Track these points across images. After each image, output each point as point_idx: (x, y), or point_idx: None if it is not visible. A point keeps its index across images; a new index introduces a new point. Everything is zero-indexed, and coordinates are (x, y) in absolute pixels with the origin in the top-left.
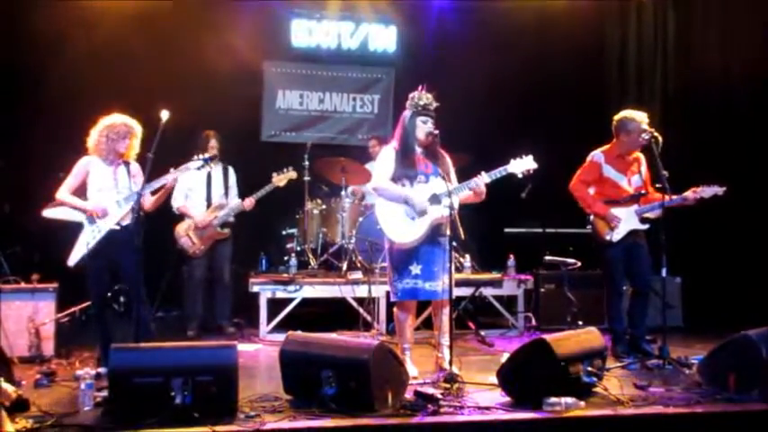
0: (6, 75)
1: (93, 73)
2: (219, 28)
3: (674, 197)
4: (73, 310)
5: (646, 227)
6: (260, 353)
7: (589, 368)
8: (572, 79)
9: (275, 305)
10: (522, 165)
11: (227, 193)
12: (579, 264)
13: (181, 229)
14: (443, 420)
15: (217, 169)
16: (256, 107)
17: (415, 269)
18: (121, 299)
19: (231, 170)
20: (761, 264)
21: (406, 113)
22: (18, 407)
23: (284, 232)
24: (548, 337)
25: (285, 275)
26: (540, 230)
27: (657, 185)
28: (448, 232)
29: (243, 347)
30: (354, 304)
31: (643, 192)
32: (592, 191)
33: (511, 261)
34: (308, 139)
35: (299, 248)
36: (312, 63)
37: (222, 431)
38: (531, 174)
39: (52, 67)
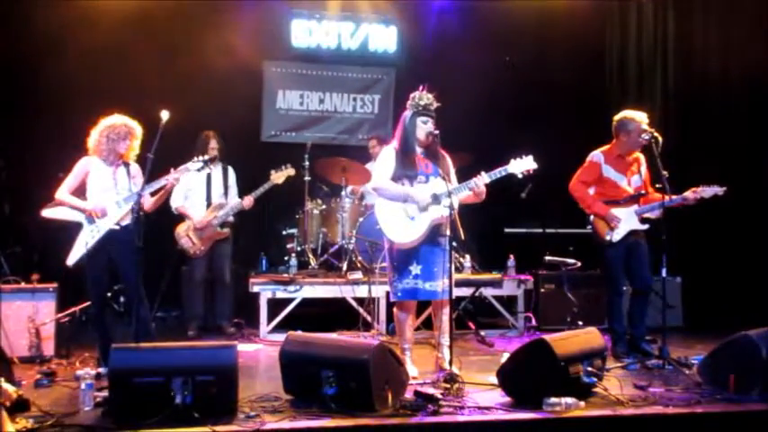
0: (6, 75)
1: (92, 73)
2: (219, 28)
3: (674, 197)
4: (73, 310)
5: (645, 227)
6: (260, 353)
7: (589, 368)
8: (572, 79)
9: (275, 305)
10: (522, 165)
11: (226, 193)
12: (579, 264)
13: (181, 229)
14: (443, 420)
15: (216, 169)
16: (256, 107)
17: (415, 269)
18: (121, 299)
19: (231, 170)
20: (761, 264)
21: (407, 113)
22: (19, 407)
23: (284, 232)
24: (548, 337)
25: (285, 275)
26: (540, 230)
27: (657, 185)
28: (448, 232)
29: (243, 347)
30: (354, 304)
31: (643, 192)
32: (592, 191)
33: (511, 261)
34: (308, 140)
35: (299, 248)
36: (312, 63)
37: (222, 431)
38: (531, 174)
39: (52, 67)
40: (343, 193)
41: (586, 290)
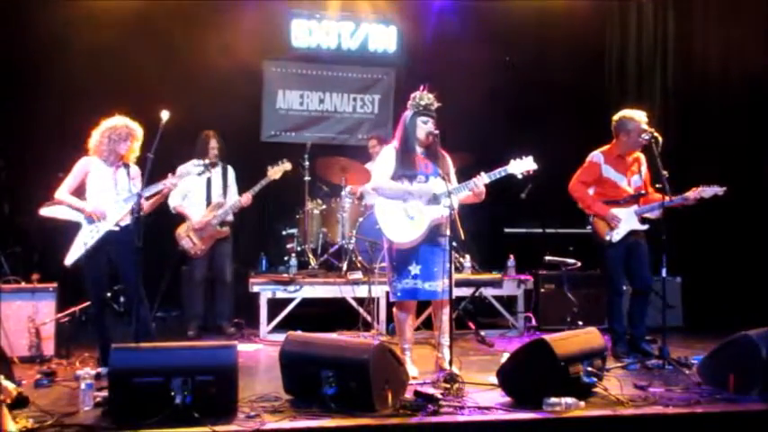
0: (6, 75)
1: (92, 73)
2: (219, 28)
3: (675, 197)
4: (73, 310)
5: (645, 227)
6: (260, 353)
7: (589, 368)
8: (572, 79)
9: (275, 305)
10: (522, 166)
11: (225, 193)
12: (579, 264)
13: (181, 230)
14: (443, 420)
15: (216, 169)
16: (256, 107)
17: (415, 269)
18: (121, 299)
19: (230, 169)
20: (761, 264)
21: (407, 113)
22: (18, 404)
23: (284, 232)
24: (548, 337)
25: (285, 275)
26: (540, 230)
27: (657, 185)
28: (448, 232)
29: (243, 347)
30: (354, 304)
31: (643, 192)
32: (592, 191)
33: (511, 261)
34: (308, 140)
35: (299, 248)
36: (312, 63)
37: (222, 431)
38: (531, 174)
39: (52, 67)
40: (343, 193)
41: (586, 290)
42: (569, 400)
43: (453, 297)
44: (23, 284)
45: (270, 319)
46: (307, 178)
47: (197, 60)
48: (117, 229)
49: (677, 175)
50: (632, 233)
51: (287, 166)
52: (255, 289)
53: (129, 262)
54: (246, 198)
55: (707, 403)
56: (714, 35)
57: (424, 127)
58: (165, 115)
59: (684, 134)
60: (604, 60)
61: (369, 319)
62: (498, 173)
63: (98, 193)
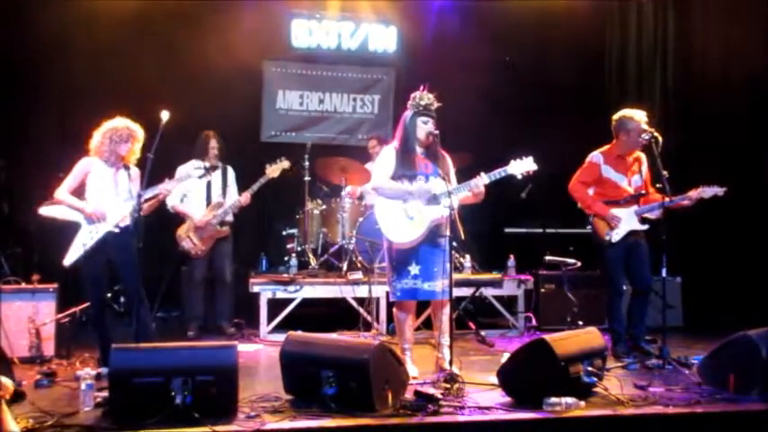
0: (7, 75)
1: (92, 73)
2: (219, 28)
3: (675, 197)
4: (73, 310)
5: (645, 227)
6: (260, 353)
7: (589, 368)
8: (572, 79)
9: (275, 305)
10: (522, 166)
11: (225, 193)
12: (579, 264)
13: (182, 231)
14: (443, 420)
15: (216, 170)
16: (256, 107)
17: (414, 269)
18: (121, 299)
19: (230, 169)
20: (761, 264)
21: (407, 113)
22: (16, 399)
23: (284, 232)
24: (548, 337)
25: (285, 276)
26: (540, 230)
27: (657, 186)
28: (447, 232)
29: (243, 347)
30: (354, 304)
31: (643, 192)
32: (592, 191)
33: (511, 261)
34: (308, 140)
35: (299, 249)
36: (312, 63)
37: (222, 431)
38: (531, 175)
39: (52, 67)
40: (343, 193)
41: (586, 290)
42: (569, 399)
43: (453, 297)
44: (23, 285)
45: (270, 320)
46: (307, 178)
47: (197, 60)
48: (117, 230)
49: (677, 175)
50: (632, 233)
51: (285, 164)
52: (255, 289)
53: (128, 263)
54: (245, 197)
55: (707, 403)
56: (714, 35)
57: (424, 127)
58: (164, 115)
59: (684, 134)
60: (604, 60)
61: (369, 319)
62: (498, 173)
63: (98, 194)
